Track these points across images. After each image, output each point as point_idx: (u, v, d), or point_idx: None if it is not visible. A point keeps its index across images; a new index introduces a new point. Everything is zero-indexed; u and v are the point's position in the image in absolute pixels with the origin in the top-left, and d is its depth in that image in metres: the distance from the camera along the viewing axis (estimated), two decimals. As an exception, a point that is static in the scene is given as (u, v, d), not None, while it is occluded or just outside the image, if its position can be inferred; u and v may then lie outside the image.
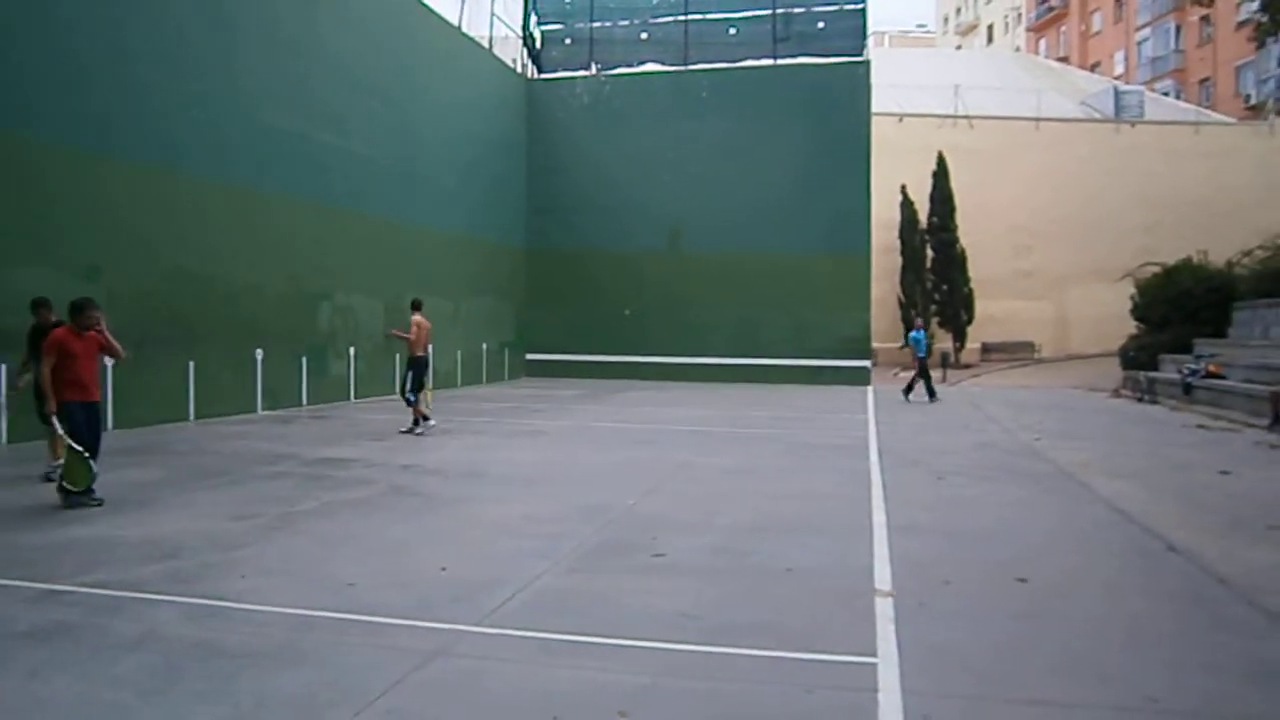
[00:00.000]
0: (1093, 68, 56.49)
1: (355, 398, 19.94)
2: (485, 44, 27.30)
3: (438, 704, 4.08)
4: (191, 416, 14.87)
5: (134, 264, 13.94)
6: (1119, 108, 42.24)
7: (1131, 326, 28.17)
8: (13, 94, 12.29)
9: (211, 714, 3.90)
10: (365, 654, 4.67)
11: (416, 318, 14.28)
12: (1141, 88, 46.29)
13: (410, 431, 13.77)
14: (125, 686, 4.19)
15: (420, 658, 4.59)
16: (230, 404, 16.05)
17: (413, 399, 13.96)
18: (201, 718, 3.87)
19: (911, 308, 38.06)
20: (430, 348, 14.54)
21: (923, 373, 21.63)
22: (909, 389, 21.72)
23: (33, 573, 5.99)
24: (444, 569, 6.25)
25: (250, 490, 9.16)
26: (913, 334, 22.39)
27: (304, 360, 18.11)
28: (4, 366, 12.00)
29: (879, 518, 8.16)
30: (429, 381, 14.54)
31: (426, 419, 14.03)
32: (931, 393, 21.59)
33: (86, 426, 8.30)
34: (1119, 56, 56.30)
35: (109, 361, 10.38)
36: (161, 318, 14.42)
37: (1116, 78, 52.49)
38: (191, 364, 14.64)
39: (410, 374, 14.09)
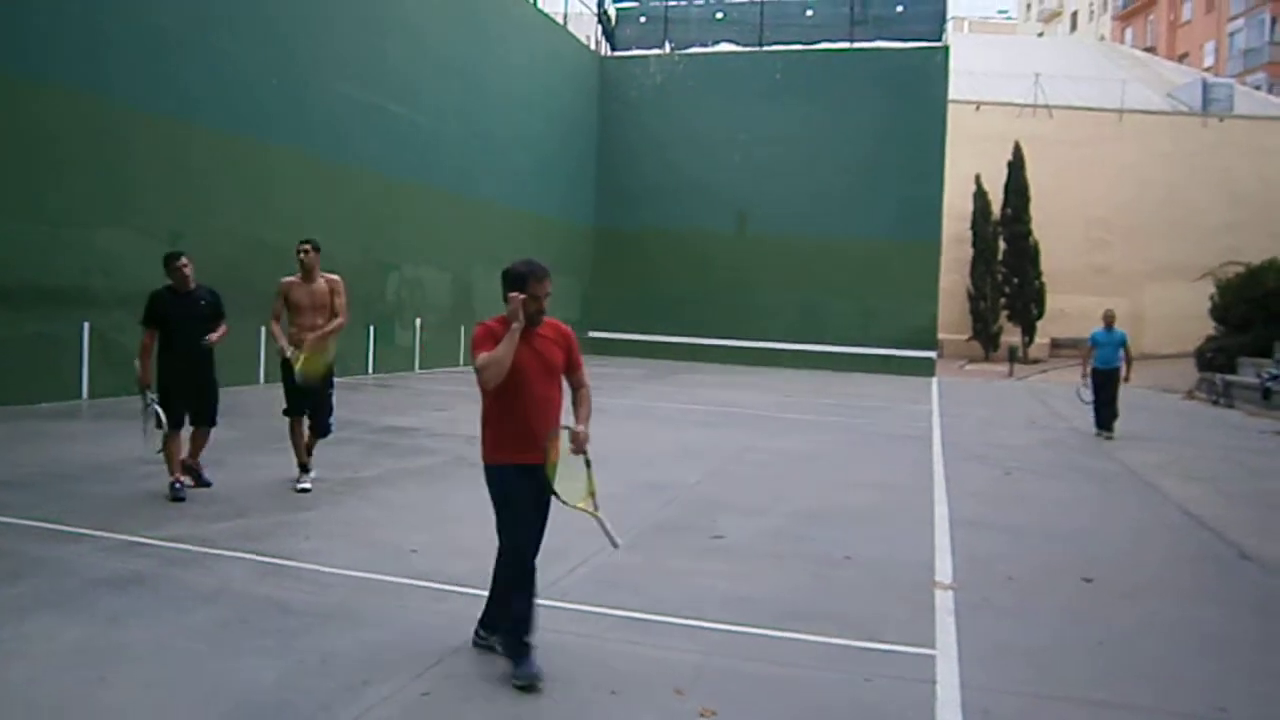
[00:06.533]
0: (1181, 59, 54.69)
1: (420, 369, 20.20)
2: (560, 20, 27.32)
3: (496, 672, 4.13)
4: (262, 380, 15.19)
5: (212, 229, 14.24)
6: (1207, 101, 40.82)
7: (1209, 327, 27.37)
8: (99, 60, 12.59)
9: (278, 668, 4.01)
10: (425, 619, 4.76)
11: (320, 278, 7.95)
12: (1232, 80, 44.70)
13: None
14: (198, 637, 4.32)
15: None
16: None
17: (331, 423, 8.11)
18: (269, 671, 3.97)
19: (981, 300, 37.41)
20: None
21: (1102, 386, 13.88)
22: (1104, 418, 13.88)
23: (111, 524, 6.19)
24: (505, 540, 6.32)
25: (316, 455, 9.31)
26: (1096, 332, 14.02)
27: (371, 329, 18.38)
28: (87, 324, 12.37)
29: (941, 510, 8.06)
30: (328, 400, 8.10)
31: (305, 470, 7.87)
32: (1101, 421, 13.90)
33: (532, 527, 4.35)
34: (1209, 47, 54.41)
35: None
36: (238, 283, 14.72)
37: (1205, 69, 50.73)
38: (263, 330, 14.92)
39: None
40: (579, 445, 4.22)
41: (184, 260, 7.30)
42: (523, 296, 4.07)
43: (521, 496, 4.23)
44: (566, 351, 4.34)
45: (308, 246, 7.87)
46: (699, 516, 7.35)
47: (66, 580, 5.04)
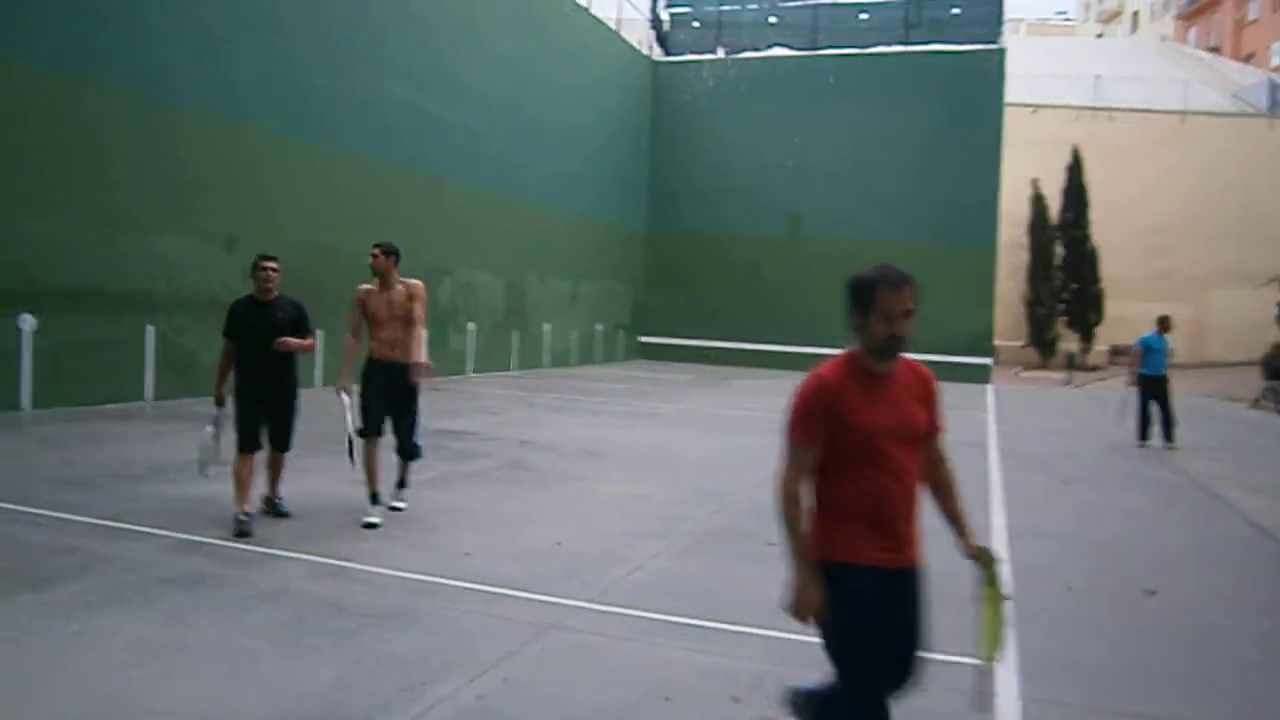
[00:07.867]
0: (1247, 59, 53.37)
1: (473, 372, 20.37)
2: (613, 25, 27.41)
3: (551, 677, 4.14)
4: (317, 384, 15.41)
5: (267, 233, 14.44)
6: (1274, 101, 39.84)
7: (1276, 334, 26.67)
8: (155, 64, 12.86)
9: (336, 667, 4.06)
10: (480, 622, 4.78)
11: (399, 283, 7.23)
12: (1300, 81, 43.60)
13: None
14: (258, 636, 4.39)
15: (534, 630, 4.67)
16: (354, 374, 16.56)
17: (419, 444, 7.31)
18: (327, 670, 4.02)
19: (1038, 306, 36.80)
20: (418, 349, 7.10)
21: (1149, 396, 13.49)
22: (1145, 426, 13.53)
23: (172, 523, 6.32)
24: (559, 544, 6.34)
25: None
26: (1148, 336, 13.66)
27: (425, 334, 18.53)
28: (151, 328, 12.65)
29: (999, 519, 7.93)
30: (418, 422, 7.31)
31: (376, 499, 6.84)
32: (1143, 429, 13.54)
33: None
34: (1276, 46, 53.03)
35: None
36: (293, 288, 14.95)
37: (1273, 70, 49.46)
38: (320, 332, 15.12)
39: (400, 399, 7.18)
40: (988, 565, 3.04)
41: (269, 264, 6.70)
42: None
43: (873, 610, 2.92)
44: (928, 407, 3.14)
45: (378, 251, 7.07)
46: (754, 523, 7.30)
47: (130, 577, 5.15)
